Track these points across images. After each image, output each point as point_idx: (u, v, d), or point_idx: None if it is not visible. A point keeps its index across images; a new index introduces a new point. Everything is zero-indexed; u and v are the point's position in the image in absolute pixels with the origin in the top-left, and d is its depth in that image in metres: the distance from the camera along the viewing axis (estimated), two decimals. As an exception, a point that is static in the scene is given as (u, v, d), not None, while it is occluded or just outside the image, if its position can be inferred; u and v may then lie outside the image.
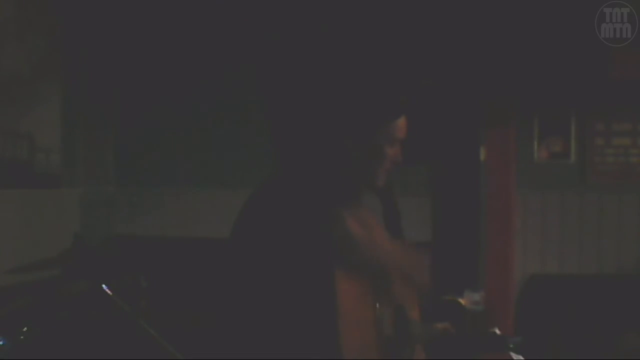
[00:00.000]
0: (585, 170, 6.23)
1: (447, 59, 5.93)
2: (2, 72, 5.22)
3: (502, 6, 5.84)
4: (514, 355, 3.08)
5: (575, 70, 5.95)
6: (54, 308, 4.03)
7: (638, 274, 6.08)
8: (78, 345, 4.03)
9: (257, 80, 6.16)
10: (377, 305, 2.49)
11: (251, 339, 2.41)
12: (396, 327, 2.59)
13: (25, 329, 3.69)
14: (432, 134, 6.00)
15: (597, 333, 5.84)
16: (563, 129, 6.25)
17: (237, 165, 6.26)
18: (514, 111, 6.11)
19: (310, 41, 6.00)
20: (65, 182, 5.97)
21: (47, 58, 5.67)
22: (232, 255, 2.48)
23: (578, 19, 5.68)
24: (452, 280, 5.62)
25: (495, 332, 3.19)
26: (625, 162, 6.22)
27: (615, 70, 5.80)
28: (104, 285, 3.69)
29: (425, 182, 6.18)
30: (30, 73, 5.50)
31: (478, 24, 5.87)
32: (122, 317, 3.74)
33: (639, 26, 5.51)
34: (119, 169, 6.55)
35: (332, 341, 2.32)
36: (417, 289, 2.68)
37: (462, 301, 5.28)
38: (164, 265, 5.73)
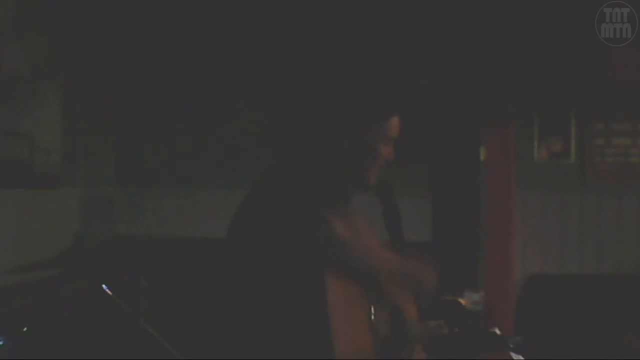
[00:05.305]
0: (585, 170, 6.23)
1: (447, 59, 5.93)
2: (2, 72, 5.22)
3: (502, 6, 5.84)
4: (514, 355, 3.08)
5: (575, 70, 5.95)
6: (54, 308, 4.03)
7: (638, 274, 6.08)
8: (78, 345, 4.03)
9: (255, 81, 6.16)
10: (372, 304, 2.49)
11: (247, 339, 2.41)
12: (392, 327, 2.59)
13: (25, 329, 3.69)
14: (432, 133, 6.00)
15: (597, 333, 5.84)
16: (563, 129, 6.25)
17: (237, 165, 6.26)
18: (514, 111, 6.10)
19: (306, 41, 6.00)
20: (65, 182, 5.97)
21: (47, 58, 5.67)
22: (228, 255, 2.48)
23: (578, 19, 5.68)
24: (452, 280, 5.61)
25: (495, 332, 3.18)
26: (625, 162, 6.22)
27: (615, 70, 5.81)
28: (104, 285, 3.69)
29: (425, 182, 6.18)
30: (30, 73, 5.50)
31: (478, 24, 5.87)
32: (122, 317, 3.74)
33: (639, 26, 5.51)
34: (119, 169, 6.55)
35: (324, 340, 2.32)
36: (414, 288, 2.67)
37: (462, 301, 5.28)
38: (164, 265, 5.73)
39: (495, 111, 6.04)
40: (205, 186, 6.41)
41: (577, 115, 6.23)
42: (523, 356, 3.08)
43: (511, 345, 3.06)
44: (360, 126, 2.49)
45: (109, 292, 3.69)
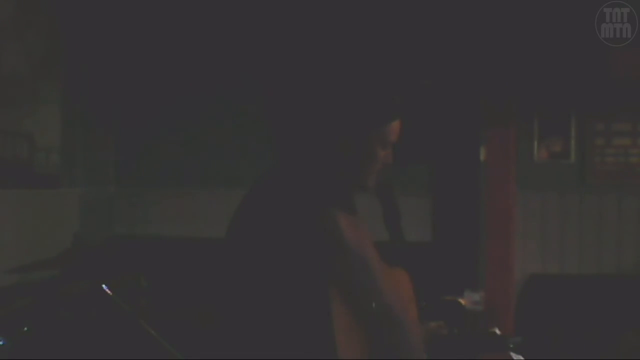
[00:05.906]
0: (585, 170, 6.23)
1: (447, 60, 5.93)
2: (2, 72, 5.22)
3: (502, 6, 5.85)
4: (514, 355, 3.08)
5: (575, 70, 5.95)
6: (54, 308, 4.03)
7: (638, 274, 6.08)
8: (78, 345, 4.03)
9: (255, 81, 6.16)
10: (373, 304, 2.49)
11: (248, 339, 2.41)
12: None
13: (25, 329, 3.69)
14: (432, 133, 6.00)
15: (597, 333, 5.84)
16: (563, 129, 6.25)
17: (237, 165, 6.26)
18: (514, 111, 6.11)
19: (306, 42, 6.00)
20: (65, 182, 5.97)
21: (47, 58, 5.67)
22: (229, 255, 2.48)
23: (578, 19, 5.68)
24: (452, 280, 5.62)
25: (495, 332, 3.19)
26: (625, 162, 6.22)
27: (615, 70, 5.81)
28: (104, 285, 3.69)
29: (425, 182, 6.18)
30: (30, 73, 5.50)
31: (478, 25, 5.88)
32: (122, 317, 3.74)
33: (639, 26, 5.52)
34: (119, 169, 6.55)
35: (326, 340, 2.32)
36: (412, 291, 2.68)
37: (462, 301, 5.28)
38: (164, 265, 5.73)
39: (495, 111, 6.05)
40: (205, 186, 6.41)
41: (577, 115, 6.24)
42: (523, 356, 3.08)
43: (511, 345, 3.07)
44: (359, 130, 2.49)
45: (109, 292, 3.69)
